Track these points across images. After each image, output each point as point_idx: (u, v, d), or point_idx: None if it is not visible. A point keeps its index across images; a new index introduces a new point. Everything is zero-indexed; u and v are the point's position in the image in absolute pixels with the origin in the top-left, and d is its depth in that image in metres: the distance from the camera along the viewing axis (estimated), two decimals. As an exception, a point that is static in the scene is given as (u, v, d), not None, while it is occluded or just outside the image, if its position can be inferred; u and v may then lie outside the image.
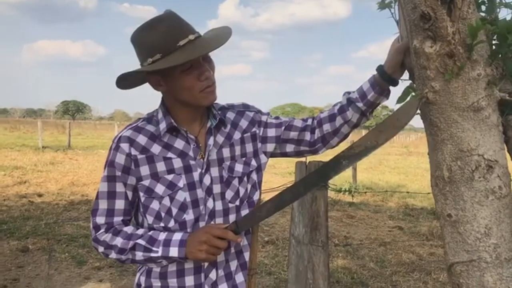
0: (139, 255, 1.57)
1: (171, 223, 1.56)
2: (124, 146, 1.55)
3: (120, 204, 1.59)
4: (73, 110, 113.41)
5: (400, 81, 1.65)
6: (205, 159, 1.60)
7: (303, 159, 2.19)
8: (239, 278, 1.69)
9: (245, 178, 1.67)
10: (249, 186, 1.68)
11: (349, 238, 7.14)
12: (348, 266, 5.76)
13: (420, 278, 5.41)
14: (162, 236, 1.55)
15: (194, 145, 1.60)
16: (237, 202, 1.64)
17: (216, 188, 1.61)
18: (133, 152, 1.55)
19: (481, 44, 1.26)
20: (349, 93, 1.70)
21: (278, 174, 14.98)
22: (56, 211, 8.34)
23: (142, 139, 1.57)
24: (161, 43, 1.46)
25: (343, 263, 5.85)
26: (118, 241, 1.57)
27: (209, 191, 1.59)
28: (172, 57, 1.45)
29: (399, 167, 19.66)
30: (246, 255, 1.73)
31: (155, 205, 1.56)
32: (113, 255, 1.60)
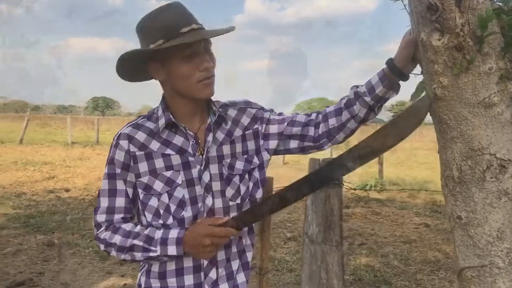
0: (138, 255, 1.55)
1: (170, 220, 1.54)
2: (123, 143, 1.54)
3: (120, 201, 1.58)
4: (103, 106, 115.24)
5: (413, 75, 1.58)
6: (204, 156, 1.57)
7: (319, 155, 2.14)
8: (241, 278, 1.66)
9: (246, 176, 1.63)
10: (250, 184, 1.64)
11: (373, 235, 7.03)
12: (371, 263, 5.66)
13: (446, 277, 5.28)
14: (158, 234, 1.53)
15: (193, 141, 1.58)
16: (238, 200, 1.61)
17: (216, 186, 1.57)
18: (132, 148, 1.53)
19: (493, 35, 1.19)
20: (357, 86, 1.63)
21: (303, 170, 14.85)
22: (82, 206, 8.48)
23: (141, 136, 1.55)
24: (165, 29, 1.45)
25: (366, 261, 5.76)
26: (117, 239, 1.56)
27: (208, 188, 1.56)
28: (174, 42, 1.44)
29: (428, 162, 19.27)
30: (249, 255, 1.69)
31: (153, 202, 1.54)
32: (113, 253, 1.58)
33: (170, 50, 1.45)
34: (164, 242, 1.52)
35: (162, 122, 1.56)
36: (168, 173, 1.54)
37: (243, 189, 1.62)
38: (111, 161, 1.56)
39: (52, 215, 7.68)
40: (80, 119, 49.34)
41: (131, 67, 1.57)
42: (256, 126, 1.69)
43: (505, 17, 1.24)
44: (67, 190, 9.96)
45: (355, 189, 9.04)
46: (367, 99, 1.58)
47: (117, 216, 1.59)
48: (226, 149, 1.62)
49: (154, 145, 1.56)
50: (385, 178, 12.43)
